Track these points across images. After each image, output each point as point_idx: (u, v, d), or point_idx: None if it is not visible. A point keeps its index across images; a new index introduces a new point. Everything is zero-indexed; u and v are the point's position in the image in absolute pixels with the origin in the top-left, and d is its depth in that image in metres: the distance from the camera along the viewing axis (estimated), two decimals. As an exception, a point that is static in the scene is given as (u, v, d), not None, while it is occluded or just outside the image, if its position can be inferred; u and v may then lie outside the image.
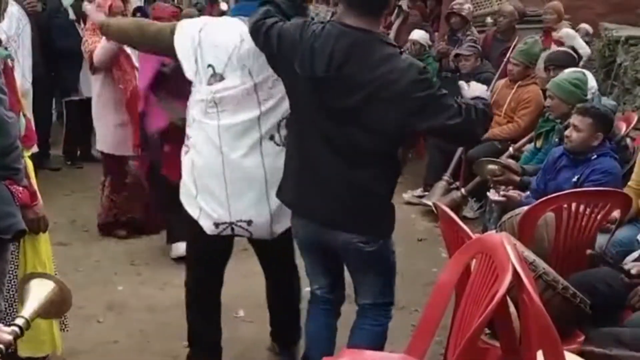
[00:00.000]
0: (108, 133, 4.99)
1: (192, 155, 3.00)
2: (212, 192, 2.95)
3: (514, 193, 3.88)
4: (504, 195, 3.88)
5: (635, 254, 3.22)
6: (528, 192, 3.91)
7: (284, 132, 2.91)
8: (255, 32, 2.74)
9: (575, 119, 3.74)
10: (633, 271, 2.94)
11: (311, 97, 2.62)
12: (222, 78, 2.88)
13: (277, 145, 2.92)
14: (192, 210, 3.03)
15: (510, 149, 5.35)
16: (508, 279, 2.04)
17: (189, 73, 2.95)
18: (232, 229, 2.98)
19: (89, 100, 6.86)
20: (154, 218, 5.11)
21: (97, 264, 4.70)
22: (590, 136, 3.69)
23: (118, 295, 4.25)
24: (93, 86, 5.10)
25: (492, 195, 4.03)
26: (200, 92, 2.93)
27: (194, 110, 2.97)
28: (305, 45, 2.59)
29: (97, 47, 4.79)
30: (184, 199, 3.07)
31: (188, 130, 3.04)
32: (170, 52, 2.98)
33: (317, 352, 2.90)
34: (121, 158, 5.05)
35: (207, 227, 2.99)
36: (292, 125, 2.82)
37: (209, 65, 2.88)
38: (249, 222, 2.96)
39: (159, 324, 3.77)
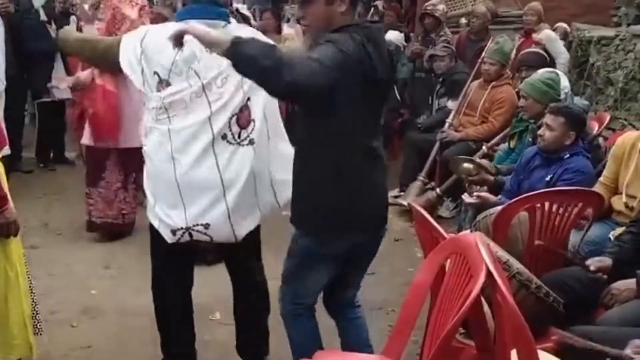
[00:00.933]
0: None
1: (147, 163, 2.94)
2: (167, 199, 2.86)
3: (487, 194, 3.91)
4: (477, 197, 3.90)
5: None
6: (500, 196, 3.93)
7: (235, 128, 2.86)
8: (315, 85, 2.31)
9: (548, 118, 3.78)
10: (592, 267, 2.98)
11: (369, 105, 2.60)
12: (168, 84, 2.82)
13: (230, 143, 2.86)
14: (153, 220, 2.96)
15: (484, 147, 5.38)
16: (482, 278, 2.04)
17: (137, 84, 2.90)
18: (190, 235, 2.88)
19: (61, 102, 6.86)
20: (128, 221, 5.08)
21: (70, 268, 4.64)
22: (563, 135, 3.73)
23: (92, 299, 4.20)
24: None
25: (466, 198, 4.05)
26: (151, 100, 2.87)
27: (147, 118, 2.91)
28: (372, 55, 2.50)
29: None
30: (147, 210, 3.01)
31: (143, 140, 2.96)
32: (118, 67, 2.93)
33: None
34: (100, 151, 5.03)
35: (166, 235, 2.90)
36: (337, 149, 2.58)
37: (155, 73, 2.83)
38: (206, 226, 2.86)
39: (134, 328, 3.74)
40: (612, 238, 3.40)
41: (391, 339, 2.45)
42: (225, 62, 2.71)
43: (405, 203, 5.64)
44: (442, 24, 7.03)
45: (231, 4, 7.08)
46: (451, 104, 6.16)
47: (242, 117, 2.88)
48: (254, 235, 3.11)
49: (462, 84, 6.04)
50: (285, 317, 2.89)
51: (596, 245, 3.46)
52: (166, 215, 2.88)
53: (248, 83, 2.82)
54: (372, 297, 4.17)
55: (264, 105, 2.93)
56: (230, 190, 2.85)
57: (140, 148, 3.05)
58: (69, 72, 6.32)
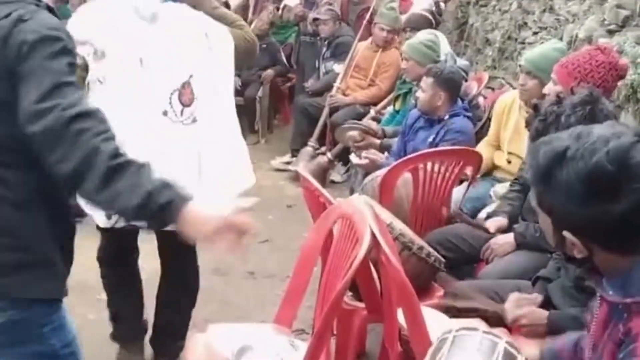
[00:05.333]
0: None
1: None
2: None
3: (374, 155, 3.97)
4: (365, 157, 3.96)
5: (488, 209, 3.39)
6: (386, 154, 4.01)
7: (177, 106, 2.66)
8: None
9: (422, 80, 3.87)
10: (492, 229, 3.09)
11: None
12: None
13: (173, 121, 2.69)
14: (84, 206, 2.58)
15: (372, 111, 5.46)
16: (367, 241, 2.08)
17: None
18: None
19: None
20: None
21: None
22: (433, 96, 3.82)
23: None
24: None
25: (354, 159, 4.11)
26: None
27: None
28: None
29: None
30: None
31: None
32: None
33: None
34: None
35: (100, 220, 2.69)
36: None
37: None
38: None
39: None
40: (492, 195, 3.54)
41: (283, 306, 2.46)
42: None
43: (294, 169, 5.67)
44: (322, -14, 7.01)
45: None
46: (337, 67, 6.19)
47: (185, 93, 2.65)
48: None
49: (347, 46, 6.07)
50: None
51: (478, 202, 3.60)
52: None
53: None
54: (267, 264, 4.17)
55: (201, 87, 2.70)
56: None
57: None
58: None
